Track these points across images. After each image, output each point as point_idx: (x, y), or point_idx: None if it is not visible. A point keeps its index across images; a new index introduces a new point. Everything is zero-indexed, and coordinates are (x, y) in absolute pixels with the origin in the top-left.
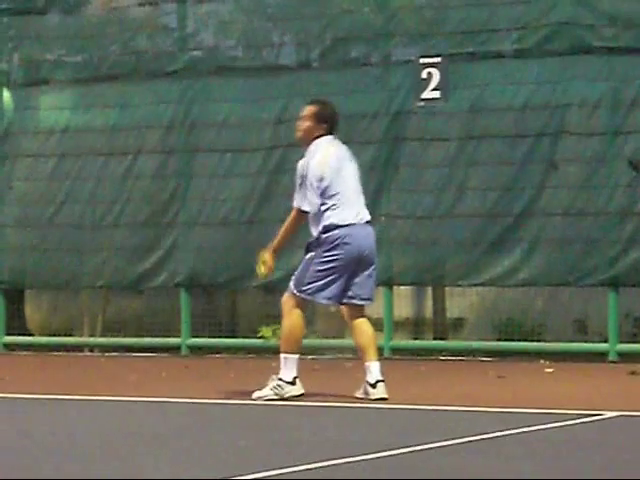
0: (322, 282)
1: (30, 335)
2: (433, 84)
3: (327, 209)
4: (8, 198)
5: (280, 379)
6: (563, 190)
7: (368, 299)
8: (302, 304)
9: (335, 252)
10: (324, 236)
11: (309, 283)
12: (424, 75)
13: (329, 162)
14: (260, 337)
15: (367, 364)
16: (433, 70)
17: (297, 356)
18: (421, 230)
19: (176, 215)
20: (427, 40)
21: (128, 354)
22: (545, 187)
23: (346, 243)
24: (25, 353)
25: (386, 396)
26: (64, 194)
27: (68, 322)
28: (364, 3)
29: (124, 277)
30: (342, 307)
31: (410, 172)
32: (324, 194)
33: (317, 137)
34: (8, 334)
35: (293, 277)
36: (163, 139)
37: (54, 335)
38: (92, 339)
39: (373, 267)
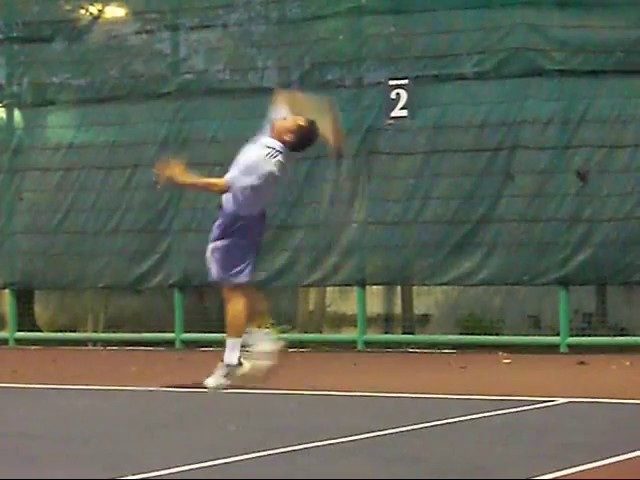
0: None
1: (39, 331)
2: (401, 103)
3: None
4: (19, 208)
5: (228, 365)
6: (518, 199)
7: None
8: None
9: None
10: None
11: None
12: (393, 95)
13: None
14: (247, 332)
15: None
16: (401, 91)
17: (241, 339)
18: (391, 235)
19: (170, 222)
20: (395, 64)
21: (128, 348)
22: (502, 196)
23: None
24: (35, 347)
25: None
26: (69, 204)
27: (73, 319)
28: (339, 31)
29: (124, 279)
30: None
31: (381, 183)
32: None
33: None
34: (19, 330)
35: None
36: (158, 154)
37: (61, 331)
38: (95, 334)
39: None
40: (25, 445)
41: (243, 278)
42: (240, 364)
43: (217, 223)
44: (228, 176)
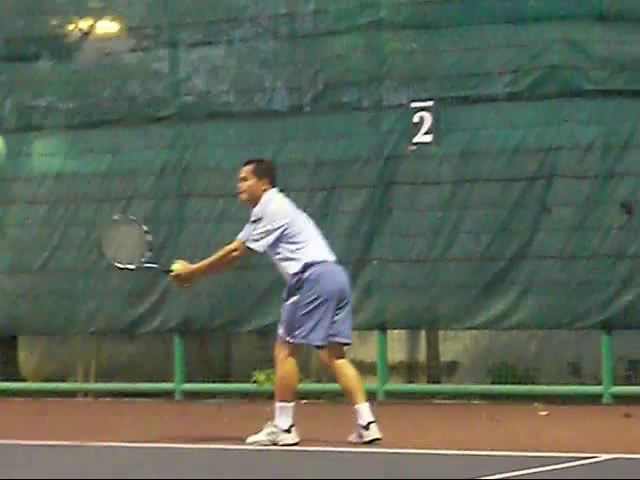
0: (311, 323)
1: (23, 381)
2: (425, 128)
3: (298, 249)
4: (1, 244)
5: (276, 426)
6: (556, 233)
7: (349, 337)
8: (295, 351)
9: (318, 289)
10: (305, 275)
11: (299, 327)
12: (416, 119)
13: (287, 207)
14: (254, 382)
15: (356, 407)
16: (425, 114)
17: (292, 404)
18: (414, 274)
19: (169, 260)
20: (419, 84)
21: (122, 399)
22: (538, 230)
23: (327, 279)
24: (19, 399)
25: (379, 436)
26: (57, 240)
27: (62, 368)
28: (356, 48)
29: (117, 322)
30: (321, 350)
31: (403, 216)
32: (290, 235)
33: (263, 192)
34: (2, 380)
35: (280, 325)
36: (155, 184)
37: (48, 381)
38: (86, 384)
39: (350, 306)
40: None
41: (311, 339)
42: (289, 431)
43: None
44: (242, 234)
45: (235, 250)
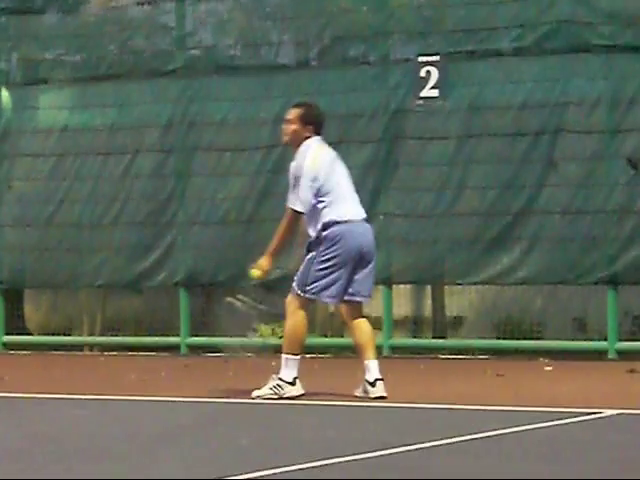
0: (325, 280)
1: (29, 335)
2: (432, 82)
3: (324, 207)
4: (7, 198)
5: (280, 379)
6: (562, 188)
7: (368, 296)
8: (306, 305)
9: (335, 248)
10: (324, 234)
11: (312, 282)
12: (423, 73)
13: (322, 161)
14: (259, 335)
15: (366, 362)
16: (432, 68)
17: (299, 357)
18: (420, 229)
19: (175, 214)
20: (425, 39)
21: (128, 353)
22: (544, 185)
23: (346, 239)
24: (24, 353)
25: (385, 394)
26: (63, 193)
27: (67, 321)
28: (362, 2)
29: (123, 276)
30: (341, 305)
31: (409, 171)
32: (319, 193)
33: (305, 138)
34: (7, 334)
35: (295, 278)
36: (162, 138)
37: (53, 334)
38: (91, 338)
39: (372, 264)
40: (16, 462)
41: (322, 296)
42: (293, 383)
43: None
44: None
45: (288, 218)
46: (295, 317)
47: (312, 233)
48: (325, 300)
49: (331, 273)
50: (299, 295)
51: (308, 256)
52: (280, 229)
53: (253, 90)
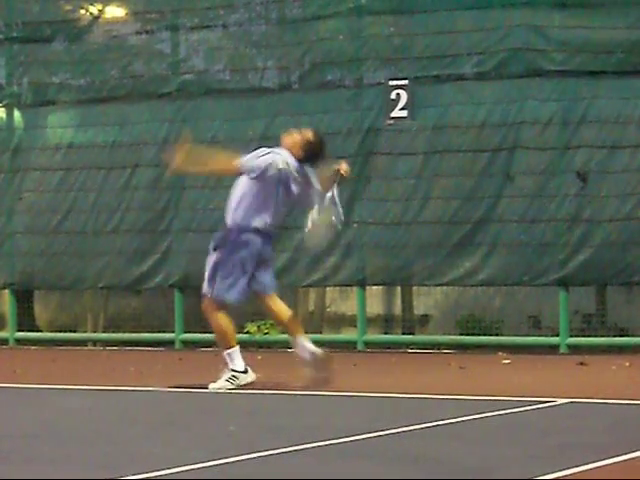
0: (229, 282)
1: (39, 331)
2: (401, 104)
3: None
4: (19, 208)
5: (233, 370)
6: (518, 199)
7: (271, 289)
8: (219, 304)
9: (240, 253)
10: (233, 236)
11: (219, 284)
12: (393, 96)
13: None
14: (246, 332)
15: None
16: (401, 91)
17: (237, 347)
18: (390, 235)
19: (170, 223)
20: (395, 64)
21: (127, 348)
22: (502, 196)
23: (249, 244)
24: (34, 348)
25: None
26: (69, 204)
27: (73, 319)
28: (339, 31)
29: (123, 279)
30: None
31: (380, 183)
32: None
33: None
34: (19, 330)
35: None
36: (158, 154)
37: (60, 331)
38: (95, 334)
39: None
40: (25, 446)
41: (230, 296)
42: (245, 371)
43: (218, 234)
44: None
45: (229, 168)
46: (217, 318)
47: (225, 230)
48: (229, 301)
49: (233, 275)
50: (208, 297)
51: (215, 256)
52: (215, 164)
53: (240, 111)
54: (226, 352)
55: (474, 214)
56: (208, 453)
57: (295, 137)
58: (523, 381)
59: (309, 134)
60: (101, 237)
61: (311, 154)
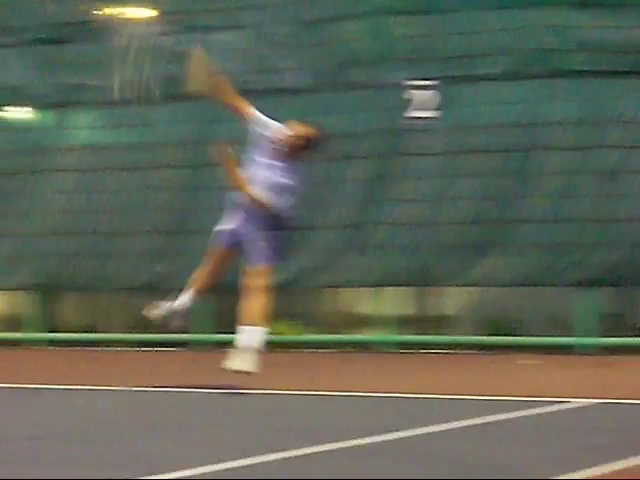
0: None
1: (64, 332)
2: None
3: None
4: (43, 209)
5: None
6: (542, 199)
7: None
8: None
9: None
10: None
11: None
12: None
13: None
14: (276, 332)
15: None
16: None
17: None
18: (412, 236)
19: (193, 223)
20: (418, 65)
21: (153, 349)
22: (523, 196)
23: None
24: (60, 348)
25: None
26: (94, 205)
27: (94, 320)
28: (362, 32)
29: (148, 279)
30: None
31: (402, 183)
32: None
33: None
34: (45, 331)
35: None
36: (180, 155)
37: (85, 331)
38: (120, 335)
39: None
40: (47, 446)
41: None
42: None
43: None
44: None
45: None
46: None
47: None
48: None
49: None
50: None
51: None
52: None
53: (264, 112)
54: (256, 328)
55: (495, 214)
56: (234, 453)
57: (302, 132)
58: (548, 382)
59: (312, 130)
60: (126, 238)
61: (310, 146)
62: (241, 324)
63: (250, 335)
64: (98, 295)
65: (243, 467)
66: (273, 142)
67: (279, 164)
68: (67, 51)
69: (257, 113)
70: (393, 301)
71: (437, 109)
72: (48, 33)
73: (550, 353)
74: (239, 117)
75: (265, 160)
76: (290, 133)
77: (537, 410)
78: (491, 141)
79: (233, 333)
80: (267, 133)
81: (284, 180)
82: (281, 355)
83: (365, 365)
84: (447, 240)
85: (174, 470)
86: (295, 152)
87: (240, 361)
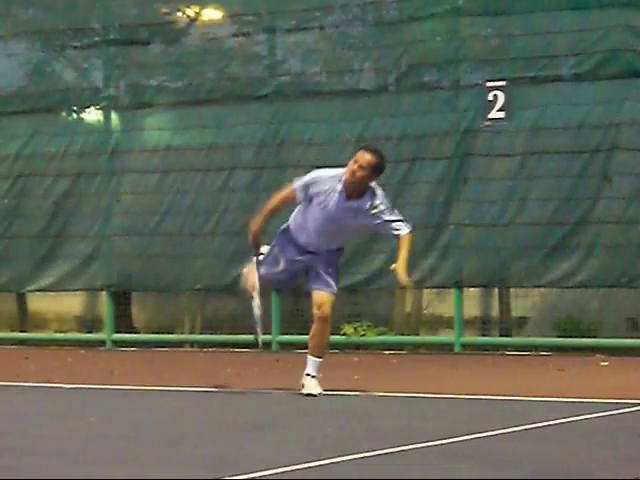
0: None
1: (136, 333)
2: (498, 105)
3: None
4: (116, 210)
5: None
6: (616, 201)
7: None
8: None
9: None
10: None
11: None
12: (490, 97)
13: None
14: (343, 334)
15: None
16: (498, 93)
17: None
18: (488, 237)
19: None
20: (493, 65)
21: (224, 349)
22: (599, 198)
23: None
24: (132, 349)
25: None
26: (166, 206)
27: (170, 321)
28: (436, 33)
29: (221, 280)
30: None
31: (477, 185)
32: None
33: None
34: (116, 332)
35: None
36: (255, 156)
37: (158, 333)
38: (192, 336)
39: None
40: (125, 446)
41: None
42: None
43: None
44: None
45: (405, 240)
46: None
47: (337, 245)
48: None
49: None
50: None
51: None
52: (403, 246)
53: (337, 113)
54: (319, 360)
55: (572, 216)
56: (308, 454)
57: (363, 175)
58: (621, 383)
59: (372, 161)
60: (198, 239)
61: (377, 171)
62: (312, 355)
63: (316, 365)
64: (175, 296)
65: (317, 467)
66: (346, 187)
67: (331, 227)
68: (141, 52)
69: (298, 184)
70: (469, 302)
71: (513, 110)
72: (121, 34)
73: (627, 354)
74: (289, 204)
75: (319, 224)
76: (354, 167)
77: (612, 412)
78: (567, 142)
79: (297, 334)
80: (325, 187)
81: (339, 243)
82: (357, 356)
83: (438, 367)
84: (524, 241)
85: (255, 471)
86: (364, 184)
87: (315, 386)
